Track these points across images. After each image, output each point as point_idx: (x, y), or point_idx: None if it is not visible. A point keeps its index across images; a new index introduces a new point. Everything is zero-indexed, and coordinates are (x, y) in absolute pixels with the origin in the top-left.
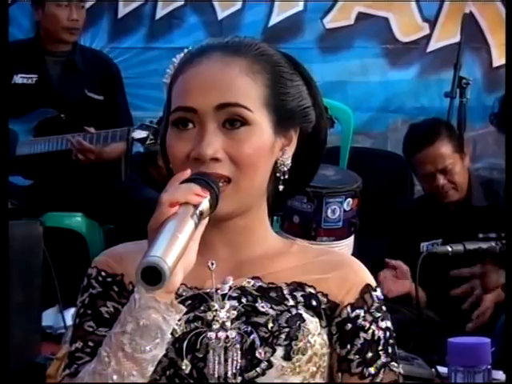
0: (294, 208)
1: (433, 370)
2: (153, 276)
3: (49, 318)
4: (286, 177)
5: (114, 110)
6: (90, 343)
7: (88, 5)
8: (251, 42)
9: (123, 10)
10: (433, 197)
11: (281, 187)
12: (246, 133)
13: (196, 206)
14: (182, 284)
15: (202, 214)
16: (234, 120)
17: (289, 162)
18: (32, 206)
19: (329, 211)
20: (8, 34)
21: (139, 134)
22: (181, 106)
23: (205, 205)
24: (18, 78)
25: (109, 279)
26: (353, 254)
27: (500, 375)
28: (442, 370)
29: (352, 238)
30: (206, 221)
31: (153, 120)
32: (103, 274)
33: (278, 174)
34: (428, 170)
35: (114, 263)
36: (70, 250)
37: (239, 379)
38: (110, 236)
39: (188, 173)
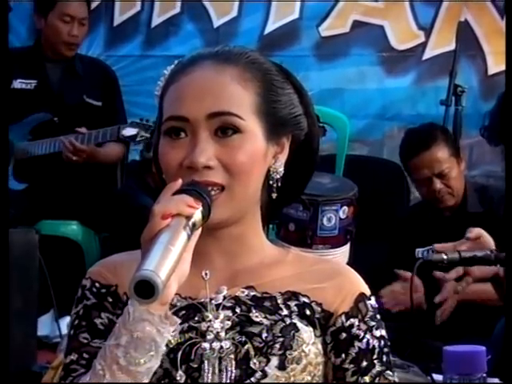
0: (290, 216)
1: (428, 377)
2: (146, 289)
3: (44, 326)
4: (279, 184)
5: (111, 115)
6: (85, 355)
7: None
8: (242, 50)
9: (119, 17)
10: (429, 203)
11: (274, 195)
12: (238, 140)
13: (188, 218)
14: (176, 294)
15: (194, 225)
16: (226, 128)
17: (281, 169)
18: (27, 212)
19: (324, 219)
20: (8, 41)
21: (129, 131)
22: (173, 115)
23: (197, 216)
24: (17, 83)
25: (103, 290)
26: (349, 262)
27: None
28: (438, 377)
29: (348, 246)
30: (199, 231)
31: (143, 118)
32: (97, 285)
33: (271, 182)
34: (424, 174)
35: (109, 274)
36: (65, 258)
37: None
38: (105, 244)
39: (180, 183)
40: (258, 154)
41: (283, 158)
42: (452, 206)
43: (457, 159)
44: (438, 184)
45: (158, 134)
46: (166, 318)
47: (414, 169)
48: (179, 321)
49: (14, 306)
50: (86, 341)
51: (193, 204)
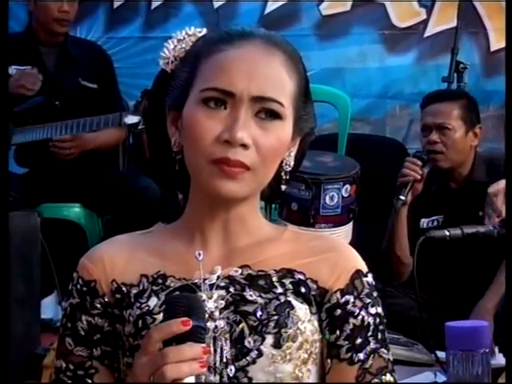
0: (293, 195)
1: (432, 355)
2: None
3: (48, 309)
4: (288, 177)
5: (108, 98)
6: (71, 366)
7: None
8: (283, 39)
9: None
10: (434, 176)
11: (283, 187)
12: (276, 126)
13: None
14: (170, 276)
15: None
16: (267, 111)
17: (292, 162)
18: (28, 195)
19: (327, 198)
20: (8, 28)
21: (131, 119)
22: (218, 87)
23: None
24: (13, 70)
25: (84, 288)
26: (352, 240)
27: (501, 359)
28: (441, 354)
29: (351, 225)
30: None
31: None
32: (81, 281)
33: (282, 174)
34: (428, 121)
35: (93, 267)
36: (68, 241)
37: (230, 368)
38: (108, 226)
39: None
40: (285, 143)
41: (294, 152)
42: (446, 169)
43: (467, 127)
44: (435, 136)
45: (183, 97)
46: None
47: (422, 117)
48: None
49: (16, 289)
50: (70, 347)
51: (204, 356)
